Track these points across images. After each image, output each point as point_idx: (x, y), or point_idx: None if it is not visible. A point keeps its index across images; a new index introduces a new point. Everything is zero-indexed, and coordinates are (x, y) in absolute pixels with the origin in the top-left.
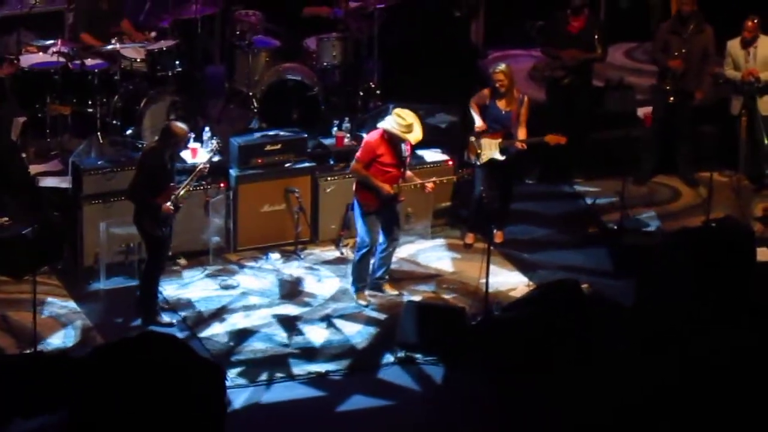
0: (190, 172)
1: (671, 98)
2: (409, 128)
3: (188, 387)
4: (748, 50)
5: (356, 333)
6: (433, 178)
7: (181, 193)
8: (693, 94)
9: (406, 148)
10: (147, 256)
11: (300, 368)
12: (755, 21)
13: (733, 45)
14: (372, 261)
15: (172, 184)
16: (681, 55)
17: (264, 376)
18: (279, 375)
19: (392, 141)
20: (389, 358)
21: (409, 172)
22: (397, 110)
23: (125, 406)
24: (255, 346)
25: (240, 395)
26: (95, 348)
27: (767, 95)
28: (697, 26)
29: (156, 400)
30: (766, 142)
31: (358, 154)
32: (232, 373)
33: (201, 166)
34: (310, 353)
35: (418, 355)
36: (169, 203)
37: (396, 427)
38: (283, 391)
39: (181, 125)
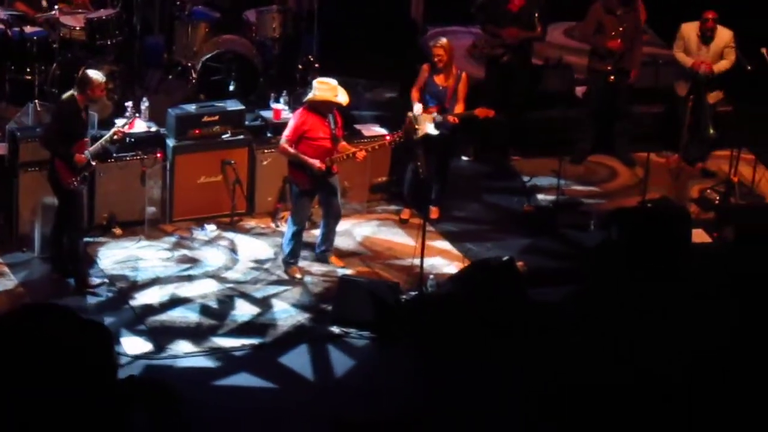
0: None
1: (611, 78)
2: (333, 91)
3: (73, 352)
4: (703, 42)
5: (285, 308)
6: (363, 146)
7: (94, 148)
8: (629, 72)
9: (334, 120)
10: (65, 221)
11: (220, 341)
12: (714, 15)
13: (688, 28)
14: (318, 234)
15: (86, 139)
16: (618, 34)
17: (180, 346)
18: (193, 348)
19: (320, 113)
20: (312, 334)
21: (343, 143)
22: (318, 79)
23: (9, 378)
24: (186, 317)
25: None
26: None
27: (717, 86)
28: (628, 3)
29: (41, 369)
30: (711, 131)
31: (285, 132)
32: (155, 343)
33: (117, 128)
34: (235, 326)
35: (351, 331)
36: (82, 154)
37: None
38: (180, 361)
39: (96, 72)
